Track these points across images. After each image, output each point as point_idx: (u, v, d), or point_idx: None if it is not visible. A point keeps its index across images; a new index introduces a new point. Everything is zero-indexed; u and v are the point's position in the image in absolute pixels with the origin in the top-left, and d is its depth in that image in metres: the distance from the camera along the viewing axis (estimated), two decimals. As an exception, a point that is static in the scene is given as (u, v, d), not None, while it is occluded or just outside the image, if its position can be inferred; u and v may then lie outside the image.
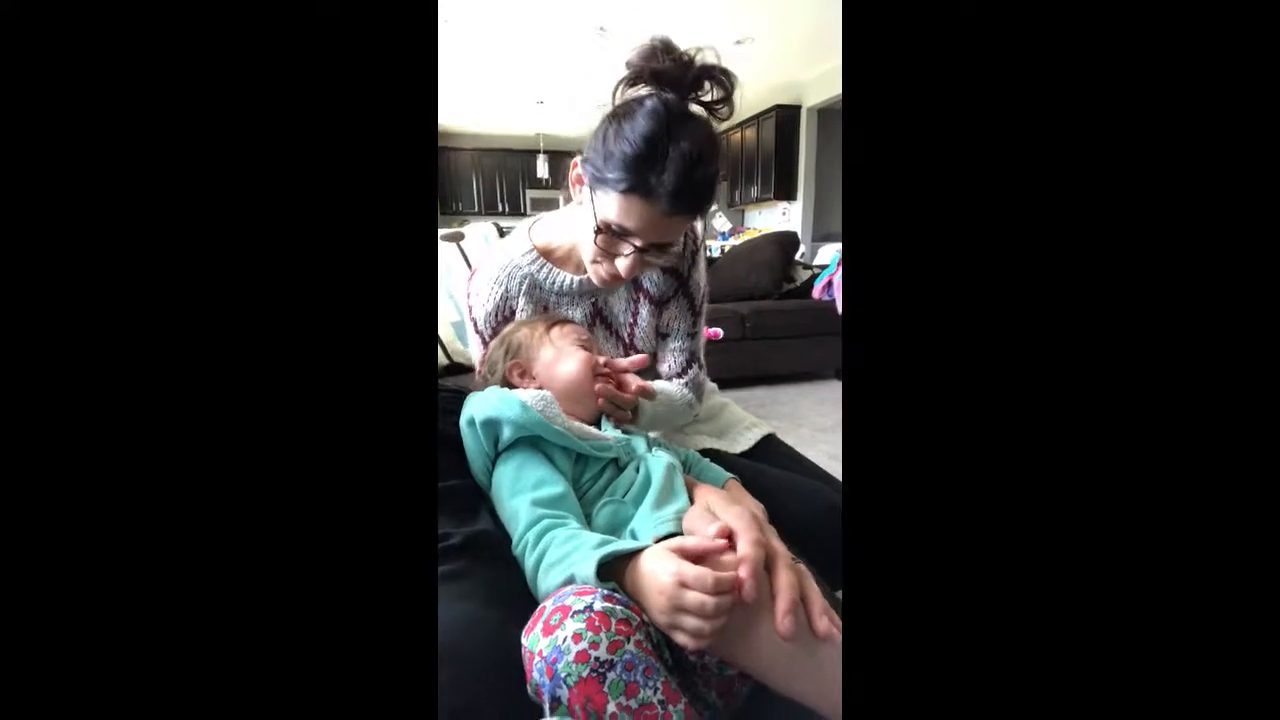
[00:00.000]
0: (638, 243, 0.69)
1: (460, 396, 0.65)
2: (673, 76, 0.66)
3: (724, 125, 0.72)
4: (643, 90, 0.68)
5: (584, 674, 0.38)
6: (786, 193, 5.74)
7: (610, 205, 0.67)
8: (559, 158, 6.83)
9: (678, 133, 0.64)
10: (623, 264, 0.71)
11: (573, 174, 0.72)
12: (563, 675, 0.38)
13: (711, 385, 0.97)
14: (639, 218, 0.67)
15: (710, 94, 0.68)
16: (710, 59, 0.67)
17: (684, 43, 0.68)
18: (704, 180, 0.66)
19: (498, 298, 0.82)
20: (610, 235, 0.69)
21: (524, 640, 0.41)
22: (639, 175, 0.64)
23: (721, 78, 0.68)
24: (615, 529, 0.55)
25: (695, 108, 0.68)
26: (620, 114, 0.67)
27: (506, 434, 0.57)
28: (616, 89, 0.69)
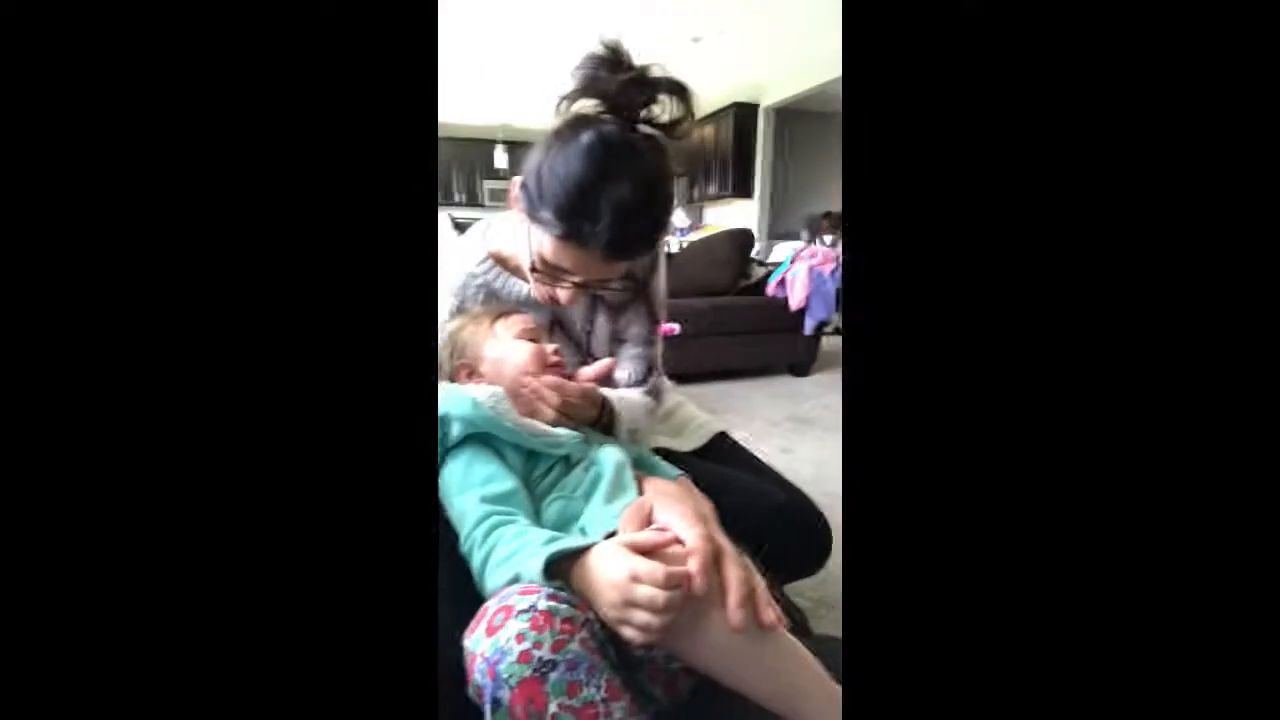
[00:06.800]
0: (576, 279, 0.66)
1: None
2: (620, 95, 0.60)
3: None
4: (589, 104, 0.62)
5: (526, 674, 0.37)
6: (744, 191, 5.81)
7: (545, 244, 0.64)
8: (518, 149, 6.71)
9: (615, 174, 0.58)
10: (563, 294, 0.69)
11: (512, 193, 0.67)
12: (505, 676, 0.37)
13: (668, 383, 0.95)
14: (574, 262, 0.64)
15: (665, 112, 0.62)
16: (661, 73, 0.61)
17: (639, 40, 0.61)
18: (643, 229, 0.62)
19: (453, 309, 0.79)
20: (546, 271, 0.67)
21: (466, 642, 0.41)
22: (572, 224, 0.60)
23: (677, 94, 0.61)
24: (564, 525, 0.55)
25: (646, 128, 0.63)
26: (559, 140, 0.61)
27: (455, 431, 0.55)
28: (560, 104, 0.63)
